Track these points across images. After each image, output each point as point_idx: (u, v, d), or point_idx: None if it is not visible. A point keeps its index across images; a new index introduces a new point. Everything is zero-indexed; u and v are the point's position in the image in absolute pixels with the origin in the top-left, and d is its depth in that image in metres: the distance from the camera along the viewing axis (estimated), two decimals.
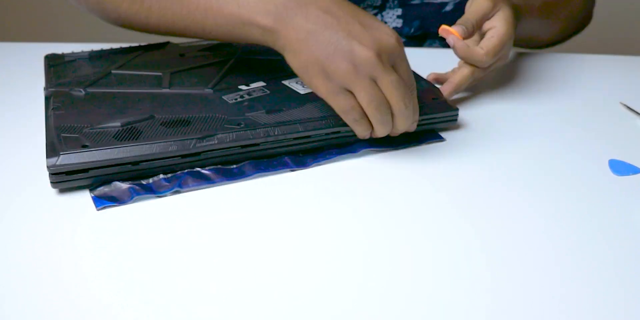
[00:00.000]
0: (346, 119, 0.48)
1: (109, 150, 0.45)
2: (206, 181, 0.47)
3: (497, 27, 0.58)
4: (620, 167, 0.51)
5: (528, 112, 0.60)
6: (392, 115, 0.48)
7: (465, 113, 0.59)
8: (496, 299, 0.37)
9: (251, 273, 0.39)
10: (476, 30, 0.58)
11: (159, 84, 0.55)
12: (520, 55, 0.74)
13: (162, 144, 0.46)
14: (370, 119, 0.48)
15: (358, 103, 0.47)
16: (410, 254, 0.41)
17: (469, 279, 0.39)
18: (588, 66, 0.72)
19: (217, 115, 0.50)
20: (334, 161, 0.51)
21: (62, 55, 0.62)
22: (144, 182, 0.47)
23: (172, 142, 0.46)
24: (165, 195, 0.46)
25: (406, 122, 0.49)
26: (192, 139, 0.47)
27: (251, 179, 0.48)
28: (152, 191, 0.46)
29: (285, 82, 0.57)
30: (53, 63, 0.60)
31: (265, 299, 0.37)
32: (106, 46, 0.72)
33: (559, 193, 0.48)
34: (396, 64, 0.47)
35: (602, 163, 0.52)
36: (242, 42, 0.52)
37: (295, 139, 0.50)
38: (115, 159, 0.45)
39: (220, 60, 0.61)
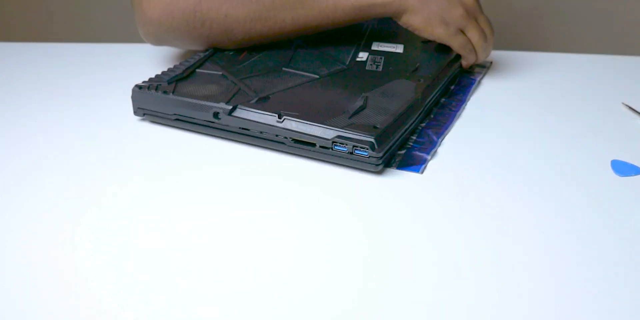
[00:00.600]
0: (464, 51, 0.63)
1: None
2: (444, 125, 0.58)
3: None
4: (622, 168, 0.51)
5: (530, 112, 0.60)
6: (485, 45, 0.64)
7: (464, 112, 0.59)
8: (496, 297, 0.37)
9: (255, 272, 0.39)
10: None
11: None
12: (521, 55, 0.74)
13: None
14: (478, 49, 0.64)
15: (468, 39, 0.63)
16: (410, 253, 0.41)
17: (469, 278, 0.39)
18: (590, 66, 0.72)
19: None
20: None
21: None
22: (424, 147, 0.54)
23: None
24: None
25: (491, 47, 0.66)
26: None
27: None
28: (430, 148, 0.54)
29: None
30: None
31: (271, 300, 0.37)
32: (108, 46, 0.72)
33: (561, 193, 0.47)
34: (477, 18, 0.63)
35: (604, 163, 0.51)
36: (365, 19, 0.63)
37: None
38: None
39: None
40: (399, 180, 0.49)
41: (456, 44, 0.63)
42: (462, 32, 0.62)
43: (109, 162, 0.51)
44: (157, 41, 0.64)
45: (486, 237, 0.42)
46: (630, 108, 0.61)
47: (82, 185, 0.48)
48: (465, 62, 0.66)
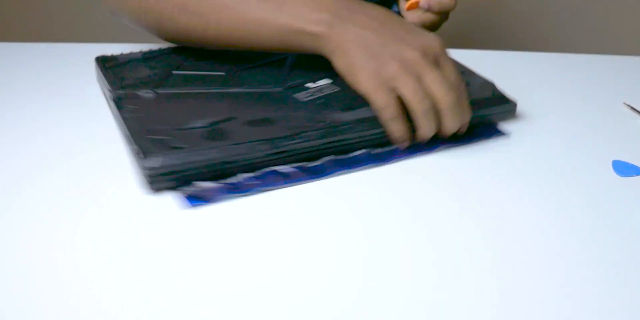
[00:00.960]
0: (384, 115, 0.49)
1: (202, 151, 0.46)
2: (290, 180, 0.48)
3: None
4: (623, 168, 0.51)
5: (530, 112, 0.60)
6: (440, 113, 0.49)
7: None
8: (496, 297, 0.37)
9: (255, 271, 0.39)
10: None
11: (225, 83, 0.56)
12: (520, 55, 0.74)
13: (253, 143, 0.47)
14: (414, 114, 0.49)
15: (398, 101, 0.48)
16: (410, 253, 0.41)
17: (469, 278, 0.38)
18: (591, 66, 0.71)
19: (296, 113, 0.51)
20: (411, 158, 0.52)
21: (115, 57, 0.62)
22: (228, 181, 0.47)
23: (262, 142, 0.47)
24: (251, 194, 0.46)
25: (454, 120, 0.49)
26: (281, 138, 0.48)
27: (331, 177, 0.49)
28: (240, 190, 0.46)
29: None
30: (108, 65, 0.60)
31: (271, 300, 0.37)
32: (108, 46, 0.71)
33: (561, 194, 0.47)
34: (441, 64, 0.49)
35: (605, 164, 0.51)
36: (293, 51, 0.53)
37: (374, 134, 0.51)
38: (209, 159, 0.46)
39: (277, 59, 0.62)
40: (399, 178, 0.49)
41: (376, 102, 0.48)
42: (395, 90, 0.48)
43: (109, 162, 0.50)
44: (113, 15, 0.60)
45: (486, 238, 0.42)
46: (632, 108, 0.60)
47: (82, 185, 0.47)
48: (391, 134, 0.50)
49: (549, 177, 0.49)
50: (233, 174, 0.47)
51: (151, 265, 0.39)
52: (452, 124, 0.50)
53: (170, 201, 0.46)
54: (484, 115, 0.55)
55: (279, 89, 0.55)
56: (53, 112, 0.58)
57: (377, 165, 0.50)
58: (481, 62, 0.71)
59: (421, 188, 0.48)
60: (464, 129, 0.52)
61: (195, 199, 0.45)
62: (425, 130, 0.49)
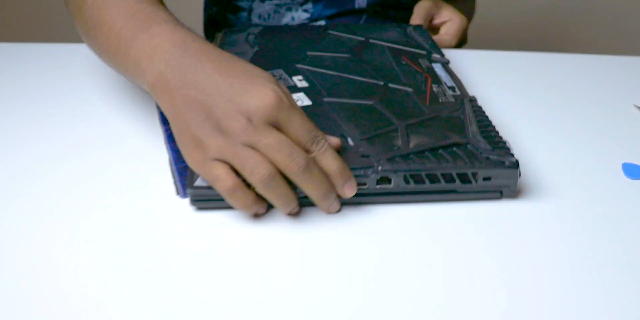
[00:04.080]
0: (218, 190, 0.41)
1: None
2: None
3: (453, 17, 0.77)
4: (633, 171, 0.50)
5: (539, 114, 0.59)
6: (298, 180, 0.41)
7: None
8: (504, 301, 0.36)
9: (256, 275, 0.38)
10: (426, 26, 0.75)
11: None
12: (529, 55, 0.74)
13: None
14: (264, 196, 0.42)
15: (232, 171, 0.40)
16: (414, 256, 0.40)
17: (476, 283, 0.38)
18: (601, 67, 0.71)
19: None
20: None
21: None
22: None
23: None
24: None
25: (320, 187, 0.41)
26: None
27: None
28: None
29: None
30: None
31: (272, 304, 0.36)
32: None
33: (571, 197, 0.47)
34: (280, 124, 0.41)
35: (615, 166, 0.51)
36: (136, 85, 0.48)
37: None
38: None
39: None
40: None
41: (205, 177, 0.41)
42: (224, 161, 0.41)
43: (110, 162, 0.50)
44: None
45: (493, 241, 0.42)
46: None
47: (83, 185, 0.47)
48: (240, 208, 0.42)
49: (557, 179, 0.49)
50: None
51: (152, 267, 0.39)
52: (317, 193, 0.42)
53: (173, 202, 0.45)
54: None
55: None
56: (53, 113, 0.58)
57: None
58: (483, 62, 0.70)
59: None
60: (350, 194, 0.43)
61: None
62: (284, 206, 0.42)
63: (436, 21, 0.78)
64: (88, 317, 0.35)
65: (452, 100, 0.52)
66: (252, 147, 0.40)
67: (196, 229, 0.43)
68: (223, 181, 0.40)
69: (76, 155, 0.51)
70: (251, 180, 0.40)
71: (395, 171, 0.43)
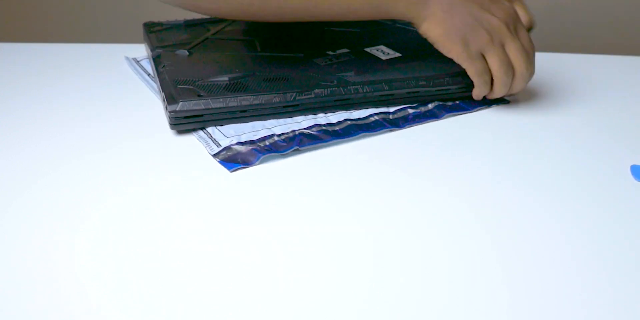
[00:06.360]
0: (479, 80, 0.56)
1: (221, 99, 0.53)
2: (318, 141, 0.53)
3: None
4: None
5: (547, 115, 0.59)
6: (513, 77, 0.56)
7: (471, 113, 0.58)
8: (507, 306, 0.36)
9: (258, 278, 0.37)
10: None
11: (254, 48, 0.64)
12: (540, 56, 0.73)
13: (267, 95, 0.54)
14: (496, 81, 0.56)
15: (487, 67, 0.55)
16: (416, 253, 0.39)
17: (480, 286, 0.37)
18: (610, 68, 0.70)
19: (311, 74, 0.58)
20: (421, 124, 0.57)
21: (160, 23, 0.72)
22: (261, 144, 0.52)
23: (275, 94, 0.54)
24: (287, 153, 0.51)
25: (523, 83, 0.57)
26: (293, 92, 0.54)
27: (355, 139, 0.54)
28: (274, 151, 0.51)
29: (367, 50, 0.65)
30: (153, 29, 0.70)
31: (274, 309, 0.35)
32: (108, 46, 0.71)
33: (578, 200, 0.46)
34: (518, 32, 0.55)
35: (623, 168, 0.50)
36: (379, 18, 0.57)
37: (380, 95, 0.57)
38: (227, 106, 0.53)
39: (306, 30, 0.70)
40: (413, 139, 0.47)
41: (472, 69, 0.56)
42: (484, 57, 0.56)
43: (110, 162, 0.50)
44: None
45: (499, 244, 0.41)
46: None
47: (83, 185, 0.46)
48: (475, 92, 0.59)
49: (564, 181, 0.48)
50: (270, 138, 0.53)
51: (153, 269, 0.38)
52: (519, 87, 0.57)
53: (174, 203, 0.44)
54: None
55: (301, 55, 0.63)
56: (53, 113, 0.58)
57: (392, 130, 0.56)
58: None
59: (431, 191, 0.47)
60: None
61: (233, 163, 0.49)
62: (500, 92, 0.57)
63: None
64: (88, 317, 0.35)
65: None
66: (503, 46, 0.54)
67: (196, 229, 0.42)
68: (486, 75, 0.55)
69: (76, 155, 0.51)
70: (502, 77, 0.55)
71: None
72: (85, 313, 0.35)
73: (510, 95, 0.60)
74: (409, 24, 0.72)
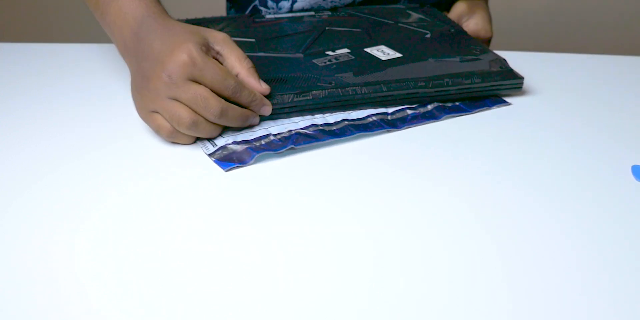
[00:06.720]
0: (161, 136, 0.52)
1: None
2: (314, 139, 0.52)
3: (479, 23, 0.76)
4: None
5: (545, 115, 0.59)
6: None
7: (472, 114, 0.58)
8: (509, 307, 0.36)
9: (258, 279, 0.37)
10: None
11: (252, 49, 0.63)
12: (535, 56, 0.73)
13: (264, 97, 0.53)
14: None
15: (166, 122, 0.50)
16: (415, 254, 0.39)
17: (480, 288, 0.37)
18: (611, 68, 0.70)
19: (309, 75, 0.57)
20: (419, 125, 0.57)
21: None
22: (256, 143, 0.51)
23: (273, 97, 0.53)
24: (283, 153, 0.51)
25: (239, 121, 0.51)
26: (290, 94, 0.54)
27: (353, 139, 0.54)
28: (269, 149, 0.50)
29: (368, 50, 0.63)
30: None
31: (274, 309, 0.35)
32: (108, 46, 0.71)
33: (579, 200, 0.46)
34: (197, 78, 0.49)
35: (624, 169, 0.50)
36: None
37: (378, 97, 0.57)
38: None
39: (307, 30, 0.68)
40: (410, 141, 0.47)
41: (150, 126, 0.52)
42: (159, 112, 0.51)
43: (110, 162, 0.49)
44: None
45: (499, 244, 0.41)
46: None
47: (83, 185, 0.46)
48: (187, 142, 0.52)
49: (565, 182, 0.48)
50: (265, 137, 0.52)
51: (154, 269, 0.38)
52: (238, 123, 0.51)
53: (175, 204, 0.44)
54: (491, 86, 0.60)
55: (300, 55, 0.62)
56: (53, 113, 0.58)
57: (389, 131, 0.55)
58: None
59: (435, 193, 0.47)
60: (255, 121, 0.53)
61: (228, 162, 0.49)
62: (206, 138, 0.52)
63: (466, 26, 0.77)
64: (88, 317, 0.35)
65: None
66: (177, 100, 0.49)
67: (196, 229, 0.42)
68: (165, 129, 0.50)
69: (76, 155, 0.51)
70: (177, 128, 0.50)
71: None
72: (85, 313, 0.35)
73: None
74: (411, 23, 0.71)
